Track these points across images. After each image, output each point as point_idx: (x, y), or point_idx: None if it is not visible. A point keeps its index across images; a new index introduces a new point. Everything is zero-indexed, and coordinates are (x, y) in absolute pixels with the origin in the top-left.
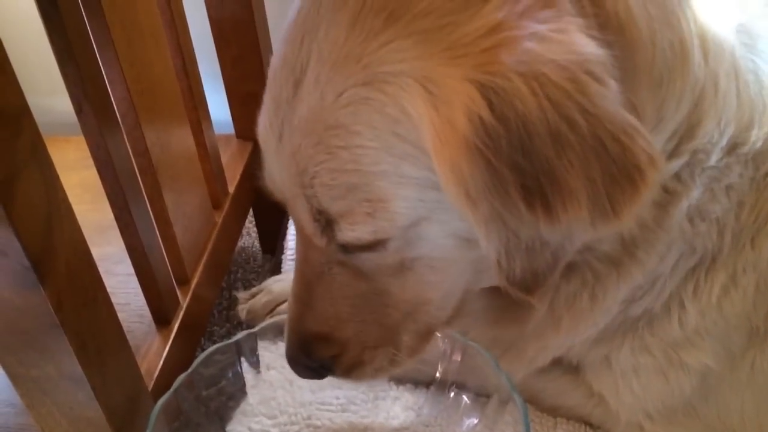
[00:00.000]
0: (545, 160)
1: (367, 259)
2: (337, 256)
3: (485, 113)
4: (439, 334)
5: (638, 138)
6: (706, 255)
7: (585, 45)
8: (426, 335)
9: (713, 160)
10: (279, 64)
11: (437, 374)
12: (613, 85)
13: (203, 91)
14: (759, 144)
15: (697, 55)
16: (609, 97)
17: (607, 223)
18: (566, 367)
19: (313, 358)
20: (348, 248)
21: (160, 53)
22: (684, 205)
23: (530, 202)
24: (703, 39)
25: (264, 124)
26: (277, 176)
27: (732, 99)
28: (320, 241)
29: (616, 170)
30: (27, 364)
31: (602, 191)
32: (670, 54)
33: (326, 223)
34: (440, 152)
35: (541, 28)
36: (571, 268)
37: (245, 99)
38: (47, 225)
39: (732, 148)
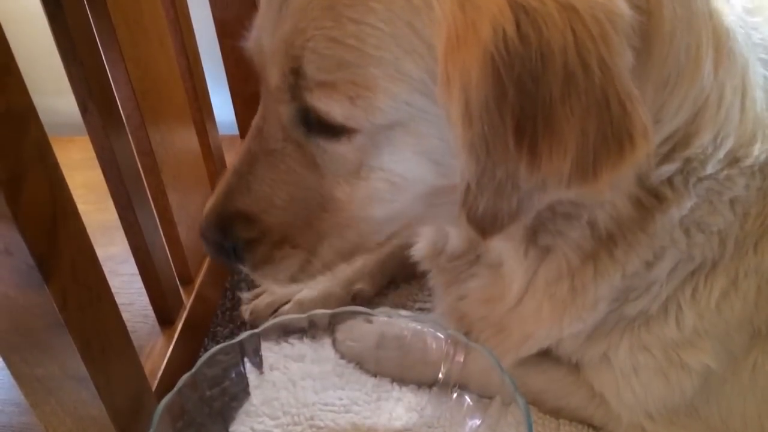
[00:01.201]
0: (549, 99)
1: (326, 149)
2: (296, 134)
3: (510, 28)
4: (441, 336)
5: (639, 108)
6: (705, 262)
7: (621, 2)
8: (346, 254)
9: (708, 170)
10: None
11: (440, 375)
12: (629, 53)
13: (207, 91)
14: (764, 156)
15: (708, 65)
16: (625, 59)
17: (582, 184)
18: (568, 368)
19: (228, 237)
20: (312, 125)
21: (165, 53)
22: (674, 214)
23: (520, 137)
24: (718, 50)
25: None
26: (267, 34)
27: (735, 114)
28: (286, 102)
29: (610, 131)
30: (31, 363)
31: (590, 148)
32: (684, 57)
33: (299, 78)
34: (455, 52)
35: None
36: (546, 250)
37: (249, 100)
38: (52, 224)
39: (733, 161)
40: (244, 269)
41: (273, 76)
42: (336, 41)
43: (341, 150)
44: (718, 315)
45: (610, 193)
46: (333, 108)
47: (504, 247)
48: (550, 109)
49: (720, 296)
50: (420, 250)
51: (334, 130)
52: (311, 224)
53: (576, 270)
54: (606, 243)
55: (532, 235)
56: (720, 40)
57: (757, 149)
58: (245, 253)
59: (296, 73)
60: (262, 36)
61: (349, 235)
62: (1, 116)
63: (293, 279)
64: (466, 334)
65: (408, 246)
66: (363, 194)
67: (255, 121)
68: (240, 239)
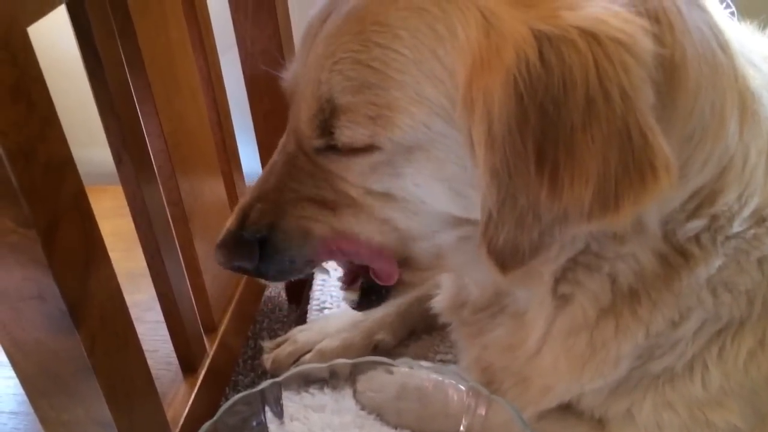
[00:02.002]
0: (570, 126)
1: (349, 165)
2: (321, 157)
3: (533, 54)
4: (463, 388)
5: (661, 140)
6: (732, 321)
7: (645, 39)
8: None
9: (735, 228)
10: None
11: (461, 428)
12: (651, 92)
13: (236, 143)
14: None
15: (733, 125)
16: (647, 94)
17: (603, 216)
18: (590, 423)
19: (248, 227)
20: (335, 150)
21: (197, 108)
22: (701, 273)
23: (541, 164)
24: (743, 111)
25: (314, 13)
26: (301, 62)
27: (759, 175)
28: (312, 132)
29: (632, 161)
30: (58, 408)
31: (612, 178)
32: (709, 114)
33: (329, 114)
34: (479, 76)
35: (612, 6)
36: (565, 301)
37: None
38: (84, 271)
39: (760, 220)
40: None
41: (305, 107)
42: (361, 63)
43: (363, 164)
44: (745, 375)
45: (631, 243)
46: (357, 134)
47: (528, 296)
48: (572, 136)
49: (747, 356)
50: (440, 302)
51: (359, 149)
52: (335, 204)
53: (594, 325)
54: (628, 300)
55: (554, 284)
56: (745, 102)
57: None
58: (268, 240)
59: (328, 104)
60: (297, 65)
61: (386, 230)
62: (42, 166)
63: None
64: (490, 384)
65: (429, 297)
66: (393, 213)
67: (283, 140)
68: (259, 224)
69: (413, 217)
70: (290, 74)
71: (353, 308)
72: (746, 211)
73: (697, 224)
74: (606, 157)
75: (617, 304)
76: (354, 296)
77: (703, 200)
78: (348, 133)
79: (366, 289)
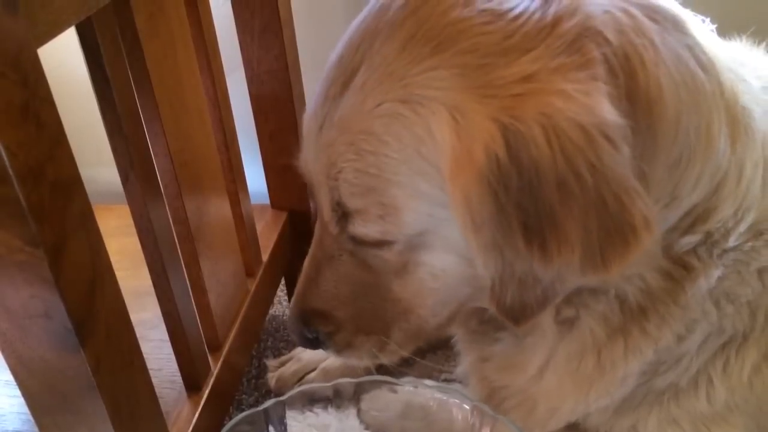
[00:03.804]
0: (548, 204)
1: (373, 255)
2: (348, 246)
3: (501, 152)
4: (467, 407)
5: (638, 201)
6: (736, 334)
7: (606, 110)
8: (416, 335)
9: (731, 242)
10: (335, 62)
11: None
12: (626, 150)
13: (242, 163)
14: None
15: (722, 142)
16: (619, 160)
17: (595, 273)
18: None
19: (310, 329)
20: (357, 241)
21: (204, 128)
22: (702, 284)
23: (529, 239)
24: (734, 127)
25: (310, 112)
26: (310, 163)
27: (756, 188)
28: (334, 229)
29: (612, 226)
30: (62, 426)
31: (596, 242)
32: (694, 137)
33: (342, 214)
34: (455, 177)
35: (569, 86)
36: (569, 325)
37: (281, 171)
38: (91, 289)
39: (757, 233)
40: (332, 352)
41: (324, 209)
42: (361, 171)
43: (385, 255)
44: (750, 390)
45: (635, 266)
46: (369, 229)
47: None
48: (552, 212)
49: (752, 371)
50: None
51: (376, 243)
52: (377, 314)
53: (603, 345)
54: (637, 317)
55: (558, 309)
56: (735, 117)
57: None
58: (326, 341)
59: (339, 206)
60: (308, 161)
61: (413, 319)
62: (50, 185)
63: (376, 357)
64: (489, 398)
65: None
66: (412, 285)
67: (316, 231)
68: (320, 331)
69: (429, 285)
70: (303, 164)
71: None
72: (742, 227)
73: (691, 240)
74: (587, 226)
75: (627, 323)
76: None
77: (696, 218)
78: (362, 230)
79: None
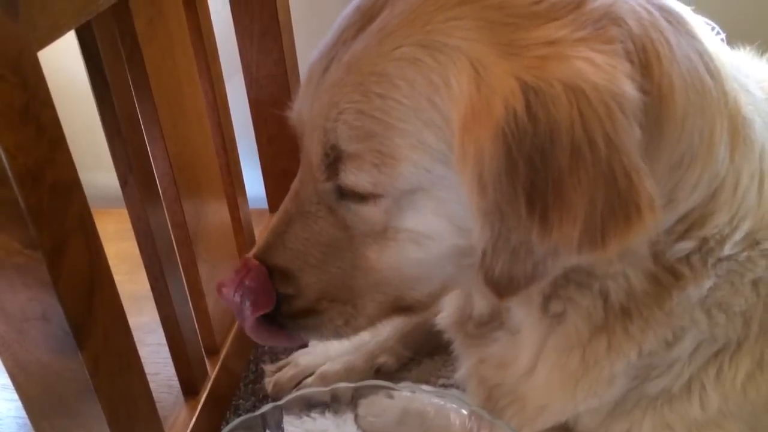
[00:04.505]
0: (557, 171)
1: (354, 212)
2: (328, 199)
3: (520, 108)
4: (465, 412)
5: (646, 181)
6: (730, 342)
7: (627, 85)
8: (389, 310)
9: (726, 251)
10: (350, 10)
11: None
12: (637, 130)
13: (240, 168)
14: None
15: (722, 150)
16: (633, 137)
17: (592, 250)
18: None
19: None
20: (343, 192)
21: (202, 132)
22: (692, 293)
23: (531, 206)
24: (734, 136)
25: (315, 58)
26: (306, 107)
27: (751, 199)
28: (321, 176)
29: (617, 202)
30: (59, 430)
31: (599, 217)
32: (698, 140)
33: (334, 159)
34: (470, 128)
35: (594, 55)
36: (558, 320)
37: (280, 175)
38: (89, 292)
39: (753, 243)
40: (284, 324)
41: (313, 153)
42: (364, 113)
43: (369, 212)
44: (743, 397)
45: (621, 263)
46: (362, 178)
47: (521, 314)
48: (559, 180)
49: (745, 378)
50: (446, 318)
51: (364, 195)
52: (345, 283)
53: (587, 342)
54: (620, 317)
55: (546, 303)
56: (736, 126)
57: None
58: (284, 306)
59: (333, 150)
60: (303, 108)
61: (388, 290)
62: (49, 188)
63: (337, 333)
64: (487, 399)
65: (431, 320)
66: (391, 253)
67: (294, 184)
68: (279, 292)
69: (408, 254)
70: (296, 114)
71: None
72: (738, 235)
73: (685, 246)
74: (593, 198)
75: (609, 322)
76: None
77: (693, 223)
78: (352, 178)
79: None
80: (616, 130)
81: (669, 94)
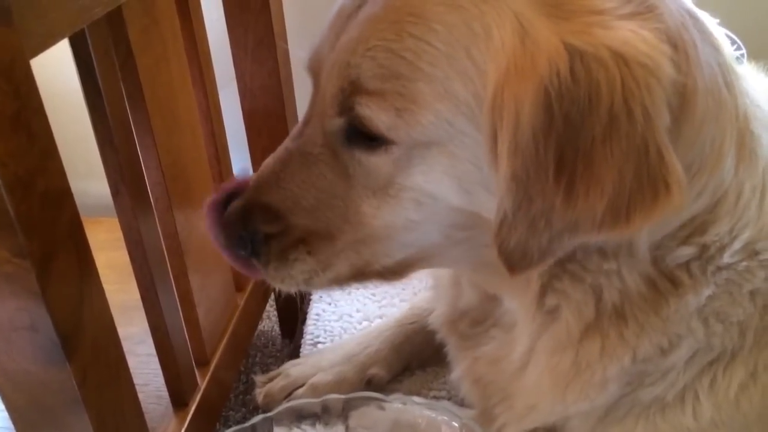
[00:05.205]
0: (591, 139)
1: (361, 160)
2: (334, 143)
3: (564, 67)
4: (456, 425)
5: (675, 160)
6: (725, 352)
7: (668, 66)
8: (356, 273)
9: (726, 259)
10: None
11: None
12: (667, 113)
13: (233, 178)
14: None
15: (729, 161)
16: (664, 116)
17: (614, 227)
18: None
19: (250, 226)
20: (353, 135)
21: (195, 142)
22: (690, 301)
23: (560, 172)
24: (741, 149)
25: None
26: (329, 43)
27: (752, 211)
28: (333, 112)
29: (646, 176)
30: None
31: (626, 191)
32: (709, 148)
33: (350, 94)
34: (512, 81)
35: (641, 30)
36: (552, 317)
37: None
38: (78, 302)
39: (752, 253)
40: (256, 263)
41: (329, 87)
42: (394, 53)
43: (376, 161)
44: (736, 407)
45: (616, 260)
46: (379, 117)
47: (515, 307)
48: (592, 149)
49: (739, 389)
50: (437, 317)
51: (373, 142)
52: (331, 233)
53: (579, 343)
54: (615, 320)
55: (541, 295)
56: (744, 140)
57: None
58: (261, 247)
59: (352, 86)
60: (324, 46)
61: (365, 252)
62: (40, 197)
63: (298, 286)
64: (481, 399)
65: (424, 332)
66: (389, 211)
67: (297, 127)
68: (260, 231)
69: (406, 213)
70: (314, 53)
71: None
72: (737, 244)
73: (686, 251)
74: (622, 171)
75: (602, 323)
76: None
77: (694, 229)
78: (367, 111)
79: None
80: (654, 104)
81: (692, 96)
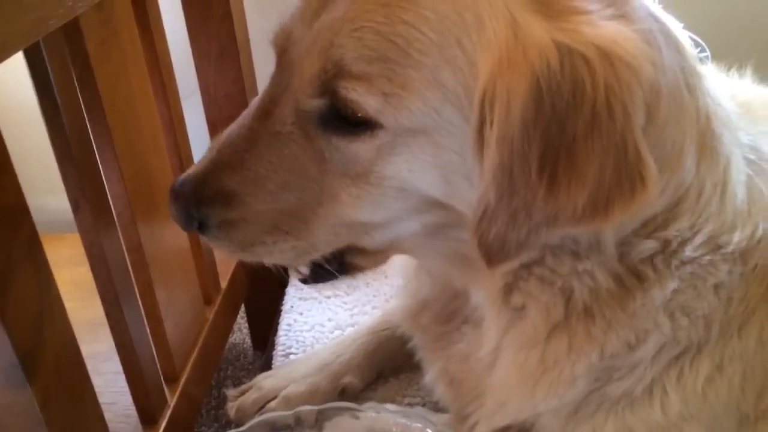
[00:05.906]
0: (573, 135)
1: (339, 147)
2: (307, 124)
3: (554, 62)
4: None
5: (649, 156)
6: (691, 345)
7: (649, 68)
8: (338, 250)
9: (688, 252)
10: None
11: None
12: (643, 115)
13: None
14: (744, 243)
15: (690, 161)
16: (641, 114)
17: (593, 219)
18: None
19: (202, 210)
20: (329, 126)
21: (159, 153)
22: (656, 295)
23: (543, 165)
24: (702, 148)
25: None
26: (306, 25)
27: (713, 207)
28: (311, 91)
29: (624, 171)
30: None
31: (606, 185)
32: (670, 149)
33: (332, 76)
34: (504, 71)
35: (627, 32)
36: (518, 314)
37: None
38: (38, 322)
39: (715, 247)
40: (212, 243)
41: (306, 66)
42: (383, 36)
43: (357, 147)
44: (703, 400)
45: (590, 261)
46: (366, 101)
47: (481, 300)
48: (574, 143)
49: (705, 381)
50: (400, 310)
51: (356, 128)
52: (301, 216)
53: (546, 341)
54: (583, 318)
55: (507, 292)
56: (704, 140)
57: (737, 237)
58: (219, 232)
59: (335, 67)
60: (296, 22)
61: (343, 233)
62: None
63: (289, 264)
64: (454, 398)
65: (396, 338)
66: (369, 200)
67: (260, 101)
68: (211, 216)
69: (386, 203)
70: (282, 28)
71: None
72: (699, 238)
73: (649, 245)
74: (603, 165)
75: (571, 322)
76: (305, 269)
77: (657, 226)
78: (354, 95)
79: (316, 264)
80: (634, 105)
81: (655, 101)
